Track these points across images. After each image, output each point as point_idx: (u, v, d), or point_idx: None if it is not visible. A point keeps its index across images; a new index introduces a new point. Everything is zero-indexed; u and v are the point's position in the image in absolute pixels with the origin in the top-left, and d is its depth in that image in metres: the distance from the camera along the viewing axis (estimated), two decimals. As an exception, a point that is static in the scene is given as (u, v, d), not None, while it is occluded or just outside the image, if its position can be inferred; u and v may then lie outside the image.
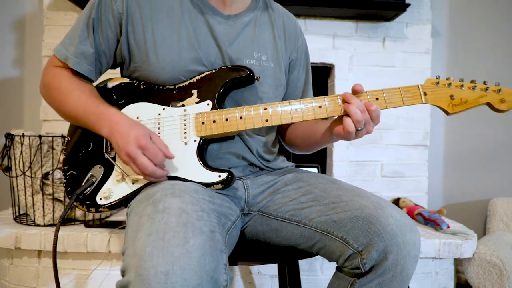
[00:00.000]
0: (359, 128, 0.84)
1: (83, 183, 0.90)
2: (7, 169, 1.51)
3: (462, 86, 0.89)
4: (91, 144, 0.93)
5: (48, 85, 0.95)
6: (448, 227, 1.66)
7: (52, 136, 1.50)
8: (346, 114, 0.85)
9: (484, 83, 0.89)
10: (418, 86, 0.89)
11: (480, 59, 2.11)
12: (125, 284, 0.62)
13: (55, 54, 0.95)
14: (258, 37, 1.02)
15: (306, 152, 1.12)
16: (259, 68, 0.99)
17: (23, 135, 1.46)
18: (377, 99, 0.89)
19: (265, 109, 0.90)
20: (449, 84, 0.89)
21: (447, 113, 0.90)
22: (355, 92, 0.88)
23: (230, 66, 0.95)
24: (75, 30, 0.95)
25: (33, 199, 1.51)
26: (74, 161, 0.93)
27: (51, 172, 1.49)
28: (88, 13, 0.95)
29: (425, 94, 0.89)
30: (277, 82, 1.04)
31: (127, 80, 0.97)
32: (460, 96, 0.88)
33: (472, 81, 0.89)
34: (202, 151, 0.90)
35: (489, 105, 0.89)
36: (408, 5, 1.81)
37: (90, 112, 0.89)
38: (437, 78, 0.90)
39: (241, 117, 0.90)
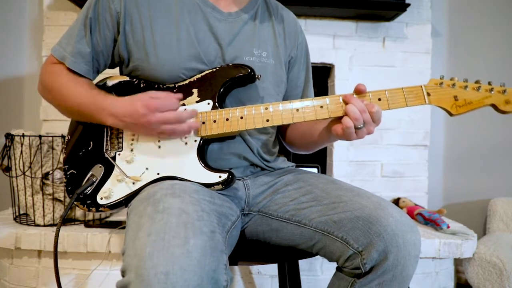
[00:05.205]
0: (359, 126, 0.84)
1: (84, 183, 0.90)
2: (7, 169, 1.51)
3: (466, 86, 0.87)
4: (91, 143, 0.93)
5: (46, 84, 0.96)
6: (448, 227, 1.66)
7: (52, 136, 1.50)
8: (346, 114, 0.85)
9: (489, 83, 0.87)
10: (421, 86, 0.88)
11: (480, 59, 2.11)
12: (125, 284, 0.62)
13: (53, 54, 0.95)
14: (258, 34, 1.02)
15: (307, 152, 1.11)
16: (260, 65, 0.99)
17: (23, 135, 1.46)
18: (379, 99, 0.88)
19: (266, 108, 0.90)
20: (453, 85, 0.87)
21: (450, 114, 0.88)
22: (358, 92, 0.88)
23: (230, 64, 0.94)
24: (72, 29, 0.96)
25: (33, 199, 1.50)
26: (75, 160, 0.93)
27: (51, 172, 1.49)
28: (86, 12, 0.95)
29: (428, 94, 0.88)
30: (278, 79, 1.04)
31: (127, 78, 0.96)
32: (464, 97, 0.87)
33: (476, 82, 0.87)
34: (202, 151, 0.90)
35: (494, 106, 0.87)
36: (408, 5, 1.80)
37: (89, 104, 0.89)
38: (441, 78, 0.88)
39: (241, 117, 0.90)
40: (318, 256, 0.95)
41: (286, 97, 1.10)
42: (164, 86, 0.94)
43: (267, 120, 0.90)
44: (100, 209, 0.90)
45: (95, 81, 0.99)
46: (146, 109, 0.82)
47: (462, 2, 2.11)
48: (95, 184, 0.90)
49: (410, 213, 1.81)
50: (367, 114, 0.84)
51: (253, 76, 0.93)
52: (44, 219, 1.51)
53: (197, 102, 0.92)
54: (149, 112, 0.82)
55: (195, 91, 0.93)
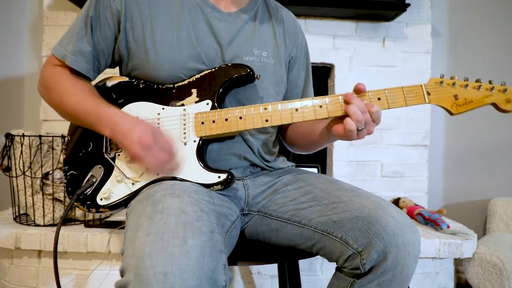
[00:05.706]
0: (360, 128, 0.84)
1: (84, 183, 0.90)
2: (7, 169, 1.51)
3: (467, 85, 0.86)
4: (91, 144, 0.93)
5: (47, 85, 0.95)
6: (448, 227, 1.66)
7: (52, 136, 1.50)
8: (347, 114, 0.84)
9: (490, 82, 0.87)
10: (421, 85, 0.87)
11: (480, 59, 2.11)
12: (124, 284, 0.62)
13: (53, 53, 0.95)
14: (258, 34, 1.02)
15: (307, 152, 1.11)
16: (260, 65, 0.99)
17: (23, 135, 1.46)
18: (379, 99, 0.88)
19: (265, 108, 0.90)
20: (454, 84, 0.87)
21: (451, 113, 0.88)
22: (358, 91, 0.87)
23: (230, 64, 0.94)
24: (73, 28, 0.95)
25: (33, 199, 1.50)
26: (75, 161, 0.93)
27: (51, 172, 1.49)
28: (86, 11, 0.95)
29: (428, 94, 0.87)
30: (278, 79, 1.04)
31: (126, 78, 0.96)
32: (465, 96, 0.86)
33: (477, 80, 0.87)
34: (201, 152, 0.90)
35: (494, 105, 0.87)
36: (408, 5, 1.80)
37: (90, 112, 0.88)
38: (441, 77, 0.88)
39: (240, 117, 0.89)
40: (318, 256, 0.94)
41: (286, 97, 1.10)
42: (164, 86, 0.94)
43: (266, 120, 0.89)
44: (100, 209, 0.90)
45: (94, 82, 0.99)
46: (139, 142, 0.81)
47: (462, 2, 2.11)
48: (95, 185, 0.90)
49: (410, 213, 1.81)
50: (367, 114, 0.84)
51: (252, 76, 0.93)
52: (44, 219, 1.51)
53: (196, 102, 0.92)
54: (139, 146, 0.81)
55: (194, 91, 0.92)
